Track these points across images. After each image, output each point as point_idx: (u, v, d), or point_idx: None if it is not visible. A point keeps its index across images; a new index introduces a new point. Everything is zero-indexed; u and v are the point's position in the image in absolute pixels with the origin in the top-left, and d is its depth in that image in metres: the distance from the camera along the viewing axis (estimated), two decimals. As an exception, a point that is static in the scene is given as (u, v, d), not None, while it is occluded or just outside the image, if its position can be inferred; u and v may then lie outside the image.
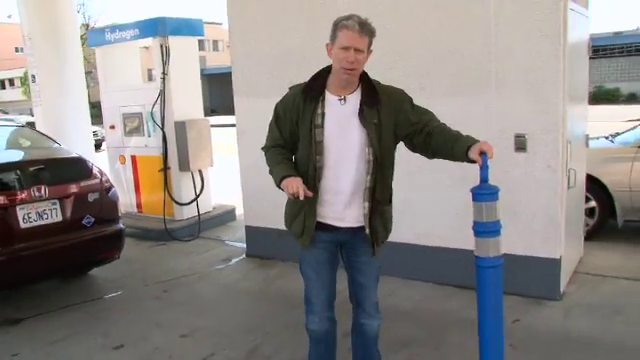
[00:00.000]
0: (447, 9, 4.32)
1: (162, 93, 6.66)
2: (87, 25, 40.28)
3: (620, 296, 4.37)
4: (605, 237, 5.78)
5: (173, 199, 6.83)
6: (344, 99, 2.66)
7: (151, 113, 6.76)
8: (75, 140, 7.48)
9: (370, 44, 2.58)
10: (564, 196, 4.18)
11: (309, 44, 4.81)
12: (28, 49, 8.33)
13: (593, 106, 8.00)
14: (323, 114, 2.65)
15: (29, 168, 4.51)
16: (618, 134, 6.51)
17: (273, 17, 5.27)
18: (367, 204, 2.70)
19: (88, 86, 9.38)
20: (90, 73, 23.15)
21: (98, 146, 14.09)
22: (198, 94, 7.19)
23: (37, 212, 4.41)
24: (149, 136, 6.99)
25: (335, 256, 2.90)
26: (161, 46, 6.68)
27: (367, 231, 2.73)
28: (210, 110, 6.54)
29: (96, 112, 8.89)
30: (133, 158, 7.25)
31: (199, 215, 6.86)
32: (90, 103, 8.84)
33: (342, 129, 2.65)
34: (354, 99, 2.67)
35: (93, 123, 9.36)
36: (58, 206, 4.54)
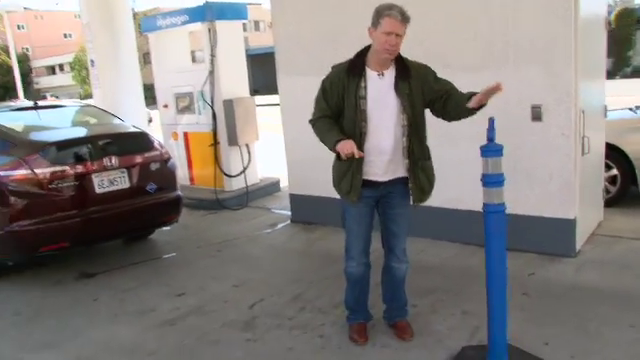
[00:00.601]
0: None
1: (211, 74, 7.25)
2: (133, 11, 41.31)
3: (632, 253, 4.72)
4: (627, 204, 6.08)
5: (223, 171, 7.45)
6: (382, 74, 3.20)
7: (201, 92, 7.37)
8: (130, 118, 8.14)
9: (406, 29, 3.09)
10: (578, 162, 4.56)
11: (344, 26, 5.28)
12: (87, 36, 9.05)
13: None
14: (365, 87, 3.17)
15: (101, 142, 5.13)
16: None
17: (311, 1, 5.75)
18: (407, 161, 3.23)
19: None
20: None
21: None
22: (244, 74, 7.75)
23: (109, 179, 5.06)
24: (199, 114, 7.60)
25: (373, 211, 3.43)
26: (209, 30, 7.24)
27: (410, 184, 3.26)
28: (253, 90, 6.91)
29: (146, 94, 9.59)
30: (185, 134, 7.90)
31: (247, 186, 7.45)
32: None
33: (381, 99, 3.18)
34: (390, 74, 3.20)
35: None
36: (126, 174, 5.18)
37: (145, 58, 16.48)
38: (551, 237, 4.70)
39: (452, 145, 4.81)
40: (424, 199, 3.32)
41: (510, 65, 4.57)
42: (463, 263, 4.74)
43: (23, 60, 50.60)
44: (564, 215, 4.64)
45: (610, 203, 5.89)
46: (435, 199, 4.90)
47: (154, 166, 5.41)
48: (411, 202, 3.34)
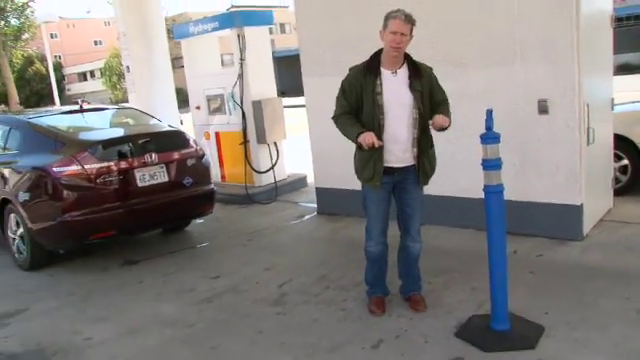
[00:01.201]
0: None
1: (240, 76, 7.72)
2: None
3: (638, 237, 5.00)
4: (638, 192, 6.35)
5: (253, 168, 7.91)
6: (395, 72, 3.63)
7: (232, 94, 7.84)
8: (164, 120, 8.67)
9: (412, 30, 3.54)
10: (584, 151, 4.88)
11: (365, 30, 5.62)
12: (123, 43, 9.64)
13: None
14: (381, 84, 3.60)
15: (142, 140, 5.63)
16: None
17: (334, 5, 6.16)
18: (415, 149, 3.66)
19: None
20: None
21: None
22: (271, 76, 8.20)
23: (149, 174, 5.54)
24: (230, 114, 8.07)
25: (390, 196, 3.85)
26: (238, 36, 7.71)
27: (416, 167, 3.69)
28: (280, 92, 7.21)
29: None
30: (217, 134, 8.39)
31: (275, 182, 7.91)
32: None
33: (395, 95, 3.61)
34: (403, 72, 3.64)
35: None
36: (165, 169, 5.66)
37: (174, 63, 17.11)
38: (559, 222, 5.02)
39: (465, 138, 5.13)
40: (427, 182, 3.77)
41: (517, 61, 4.92)
42: (474, 247, 5.07)
43: (57, 68, 52.06)
44: (571, 201, 4.95)
45: (621, 192, 6.18)
46: (448, 188, 5.33)
47: (190, 162, 5.90)
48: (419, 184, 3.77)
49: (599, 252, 4.72)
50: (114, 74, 51.45)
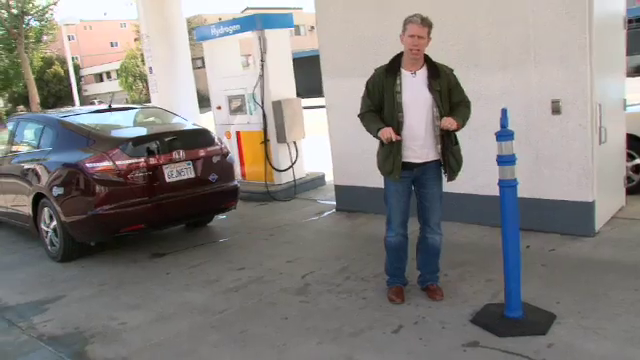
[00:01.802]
0: (494, 2, 5.28)
1: (261, 77, 7.96)
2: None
3: (648, 233, 5.19)
4: (650, 191, 6.51)
5: (273, 166, 8.15)
6: (415, 73, 3.86)
7: (252, 94, 8.08)
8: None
9: (429, 33, 3.77)
10: (595, 150, 5.05)
11: (383, 33, 5.89)
12: (146, 45, 9.92)
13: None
14: (401, 84, 3.84)
15: (170, 138, 5.88)
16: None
17: (353, 10, 6.37)
18: (439, 146, 3.88)
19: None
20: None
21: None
22: (291, 77, 8.44)
23: (177, 170, 5.80)
24: (251, 114, 8.32)
25: (410, 189, 4.07)
26: (259, 38, 7.95)
27: (442, 163, 3.91)
28: (296, 94, 7.35)
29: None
30: (238, 133, 8.64)
31: (295, 180, 8.15)
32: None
33: (414, 94, 3.84)
34: (422, 73, 3.87)
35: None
36: (192, 166, 5.92)
37: (194, 63, 17.41)
38: (572, 219, 5.19)
39: (483, 136, 5.30)
40: (454, 177, 3.97)
41: (531, 63, 5.10)
42: (490, 242, 5.26)
43: (75, 69, 52.75)
44: (583, 198, 5.12)
45: (634, 190, 6.33)
46: (466, 186, 5.52)
47: (215, 159, 6.15)
48: (446, 180, 3.99)
49: (610, 247, 4.88)
50: (130, 75, 52.08)
